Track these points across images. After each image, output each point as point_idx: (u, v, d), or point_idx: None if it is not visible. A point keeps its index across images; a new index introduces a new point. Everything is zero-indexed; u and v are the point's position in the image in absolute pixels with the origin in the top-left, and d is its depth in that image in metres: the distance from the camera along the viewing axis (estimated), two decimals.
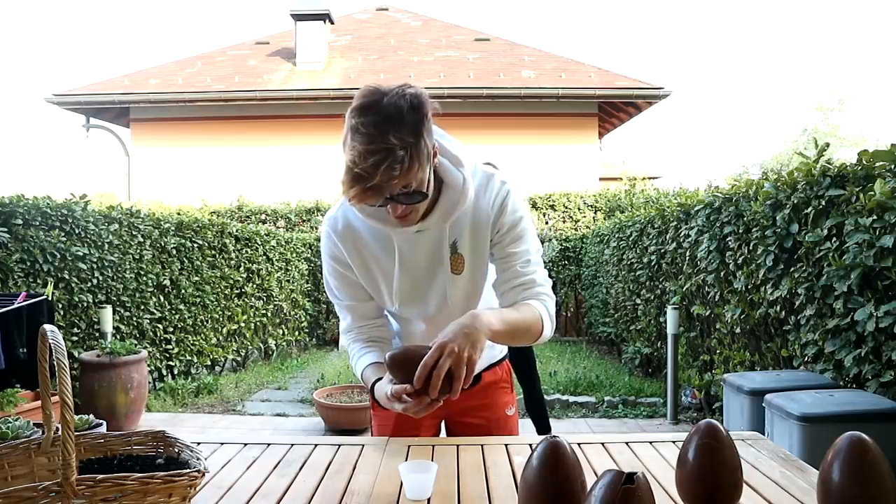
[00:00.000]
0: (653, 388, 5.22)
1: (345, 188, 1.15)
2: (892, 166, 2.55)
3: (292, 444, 1.42)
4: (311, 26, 12.01)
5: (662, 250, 5.26)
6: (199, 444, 1.38)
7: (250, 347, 7.09)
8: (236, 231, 6.75)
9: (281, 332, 7.81)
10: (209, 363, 6.26)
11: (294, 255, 8.24)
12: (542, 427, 3.77)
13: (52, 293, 4.07)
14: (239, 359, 6.92)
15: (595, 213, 9.74)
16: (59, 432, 0.87)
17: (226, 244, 6.52)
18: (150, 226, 5.39)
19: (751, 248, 3.62)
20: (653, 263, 5.52)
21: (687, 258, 4.68)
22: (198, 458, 0.99)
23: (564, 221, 9.70)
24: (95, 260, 4.65)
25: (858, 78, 42.63)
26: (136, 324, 5.16)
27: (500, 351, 1.60)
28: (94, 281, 4.64)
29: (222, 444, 1.43)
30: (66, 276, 4.39)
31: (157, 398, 5.21)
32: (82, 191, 4.74)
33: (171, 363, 5.64)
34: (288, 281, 8.02)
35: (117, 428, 4.05)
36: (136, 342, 4.62)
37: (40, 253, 4.14)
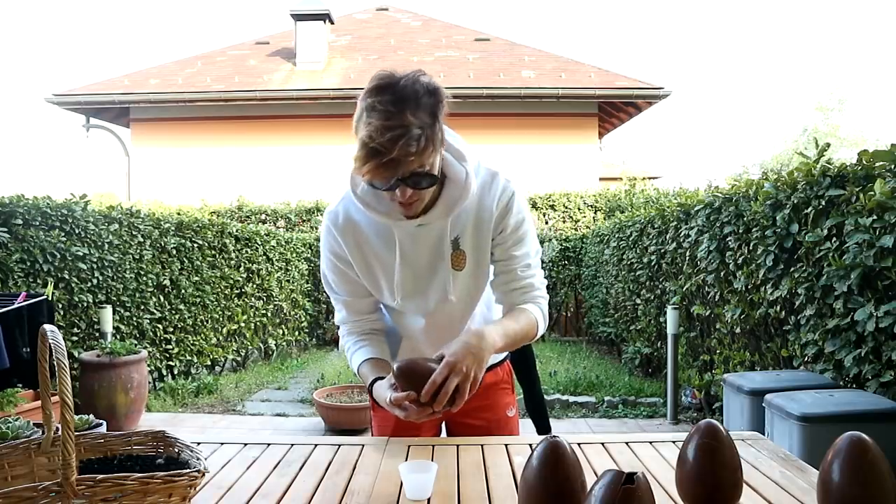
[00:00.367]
0: (653, 388, 5.22)
1: (359, 164, 1.14)
2: (892, 166, 2.55)
3: (292, 444, 1.42)
4: (311, 26, 12.01)
5: (662, 250, 5.26)
6: (199, 444, 1.38)
7: (250, 347, 7.09)
8: (236, 231, 6.75)
9: (281, 332, 7.81)
10: (209, 363, 6.26)
11: (294, 255, 8.24)
12: (542, 427, 3.77)
13: (52, 293, 4.07)
14: (239, 359, 6.93)
15: (595, 213, 9.74)
16: (59, 432, 0.87)
17: (226, 244, 6.52)
18: (150, 226, 5.39)
19: (751, 248, 3.62)
20: (653, 263, 5.52)
21: (687, 258, 4.68)
22: (198, 458, 0.99)
23: (564, 221, 9.70)
24: (95, 260, 4.65)
25: (858, 78, 42.66)
26: (136, 324, 5.16)
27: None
28: (94, 281, 4.64)
29: (222, 444, 1.43)
30: (66, 276, 4.39)
31: (157, 398, 5.21)
32: (82, 191, 4.75)
33: (171, 363, 5.64)
34: (288, 281, 8.02)
35: (117, 428, 4.05)
36: (136, 342, 4.62)
37: (40, 253, 4.14)
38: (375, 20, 14.03)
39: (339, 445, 1.41)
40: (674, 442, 1.42)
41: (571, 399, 4.99)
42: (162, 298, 5.51)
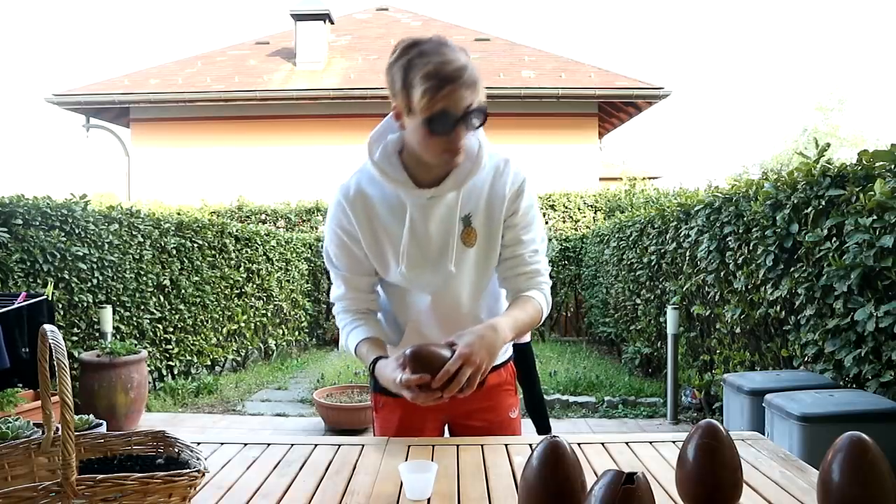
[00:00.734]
0: (653, 388, 5.22)
1: (429, 96, 1.16)
2: (892, 166, 2.55)
3: (292, 444, 1.42)
4: (311, 26, 12.01)
5: (662, 250, 5.26)
6: (199, 444, 1.38)
7: (250, 347, 7.09)
8: (236, 231, 6.75)
9: (281, 332, 7.81)
10: (209, 363, 6.26)
11: (294, 255, 8.24)
12: (542, 427, 3.77)
13: (52, 293, 4.07)
14: (239, 359, 6.93)
15: (595, 213, 9.74)
16: (59, 432, 0.87)
17: (226, 244, 6.52)
18: (150, 226, 5.39)
19: (751, 248, 3.62)
20: (653, 263, 5.52)
21: (687, 258, 4.68)
22: (198, 458, 0.99)
23: (564, 221, 9.70)
24: (95, 260, 4.65)
25: (858, 78, 42.65)
26: (136, 324, 5.16)
27: (505, 352, 1.59)
28: (94, 281, 4.65)
29: (222, 444, 1.43)
30: (66, 276, 4.39)
31: (157, 398, 5.21)
32: (82, 191, 4.75)
33: (171, 363, 5.64)
34: (288, 281, 8.02)
35: (117, 428, 4.05)
36: (136, 342, 4.62)
37: (40, 253, 4.14)
38: (375, 20, 14.04)
39: (339, 445, 1.41)
40: (674, 442, 1.42)
41: (571, 399, 4.99)
42: (162, 298, 5.51)
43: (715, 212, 4.12)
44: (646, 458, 1.33)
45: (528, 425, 3.85)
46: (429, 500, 1.11)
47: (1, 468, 1.02)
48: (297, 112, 10.79)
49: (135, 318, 5.15)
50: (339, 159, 11.07)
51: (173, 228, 5.70)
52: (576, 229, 9.54)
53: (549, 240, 8.97)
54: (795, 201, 3.12)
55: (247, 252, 6.93)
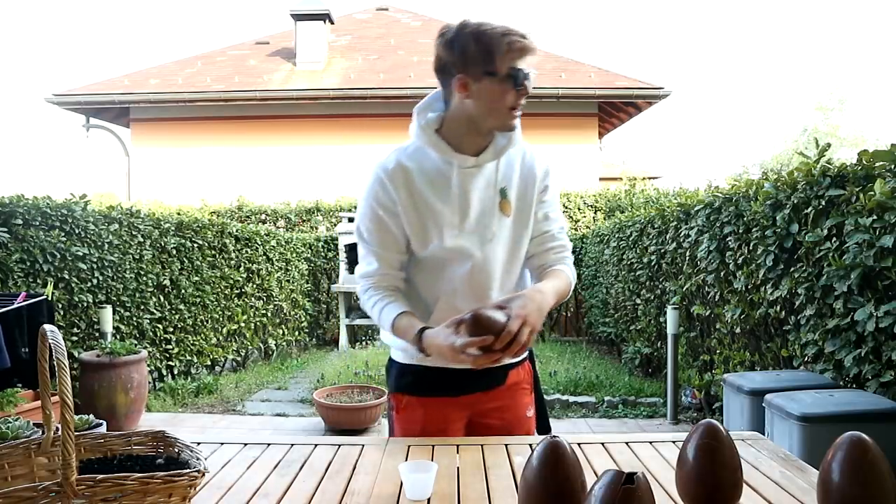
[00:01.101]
0: (653, 388, 5.22)
1: (513, 48, 1.32)
2: (892, 166, 2.55)
3: (292, 444, 1.42)
4: (311, 26, 12.01)
5: (662, 250, 5.26)
6: (199, 444, 1.38)
7: (250, 347, 7.09)
8: (236, 231, 6.75)
9: (281, 332, 7.81)
10: (209, 363, 6.26)
11: (294, 255, 8.24)
12: (542, 427, 3.76)
13: (52, 293, 4.07)
14: (239, 359, 6.92)
15: (595, 213, 9.74)
16: (59, 432, 0.87)
17: (226, 244, 6.52)
18: (150, 226, 5.39)
19: (751, 248, 3.62)
20: (653, 263, 5.52)
21: (687, 258, 4.68)
22: (198, 458, 0.99)
23: (564, 221, 9.69)
24: (95, 260, 4.64)
25: (858, 78, 42.65)
26: (136, 324, 5.16)
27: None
28: (94, 281, 4.64)
29: (222, 444, 1.43)
30: (66, 276, 4.39)
31: (157, 398, 5.21)
32: (82, 191, 4.74)
33: (171, 363, 5.64)
34: (288, 281, 8.02)
35: (117, 428, 4.05)
36: (136, 342, 4.61)
37: (40, 253, 4.14)
38: (375, 20, 14.04)
39: (339, 445, 1.41)
40: (674, 442, 1.42)
41: (571, 399, 4.99)
42: (162, 298, 5.51)
43: (715, 212, 4.12)
44: (646, 458, 1.33)
45: None
46: (429, 500, 1.11)
47: (1, 468, 1.02)
48: (297, 112, 10.79)
49: (135, 318, 5.15)
50: (339, 159, 11.13)
51: (173, 228, 5.70)
52: (576, 229, 9.54)
53: None
54: (795, 201, 3.12)
55: (247, 252, 6.93)
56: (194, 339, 5.97)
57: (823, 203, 2.91)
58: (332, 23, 12.65)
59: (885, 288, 2.52)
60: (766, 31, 67.85)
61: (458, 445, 1.39)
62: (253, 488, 1.18)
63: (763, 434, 1.78)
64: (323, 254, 9.00)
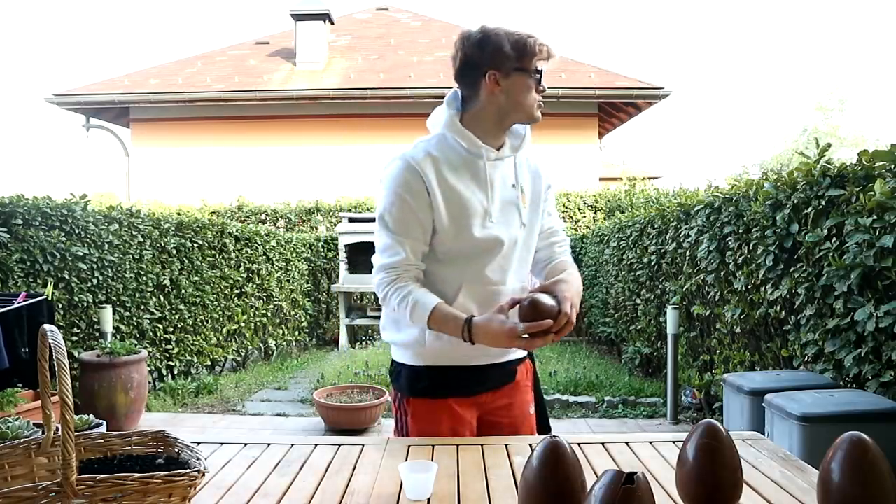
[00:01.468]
0: (653, 388, 5.22)
1: (539, 48, 1.44)
2: (892, 166, 2.55)
3: (292, 444, 1.42)
4: (311, 26, 12.01)
5: (662, 250, 5.26)
6: (199, 444, 1.38)
7: (250, 347, 7.08)
8: (236, 231, 6.75)
9: (281, 332, 7.81)
10: (209, 363, 6.26)
11: (294, 255, 8.24)
12: (542, 427, 3.76)
13: (52, 293, 4.07)
14: (239, 359, 6.92)
15: (595, 213, 9.75)
16: (59, 432, 0.87)
17: (226, 244, 6.52)
18: (150, 226, 5.39)
19: (751, 248, 3.62)
20: (653, 263, 5.52)
21: (687, 258, 4.68)
22: (198, 458, 0.99)
23: (564, 221, 9.69)
24: (95, 260, 4.64)
25: (858, 78, 42.65)
26: (136, 324, 5.16)
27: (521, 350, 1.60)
28: (94, 281, 4.64)
29: (222, 444, 1.43)
30: (66, 276, 4.39)
31: (157, 398, 5.21)
32: (82, 191, 4.74)
33: (171, 363, 5.64)
34: (288, 281, 8.02)
35: (117, 428, 4.05)
36: (136, 342, 4.61)
37: (40, 253, 4.14)
38: (375, 20, 14.04)
39: (339, 445, 1.41)
40: (674, 442, 1.42)
41: (571, 399, 4.99)
42: (162, 298, 5.51)
43: (715, 212, 4.12)
44: (646, 458, 1.33)
45: None
46: (429, 500, 1.11)
47: (1, 468, 1.02)
48: (297, 112, 10.79)
49: (135, 318, 5.15)
50: (339, 159, 11.14)
51: (173, 228, 5.70)
52: (576, 229, 9.54)
53: None
54: (795, 201, 3.12)
55: (247, 252, 6.93)
56: (194, 339, 5.97)
57: (823, 203, 2.91)
58: (332, 23, 12.65)
59: (885, 288, 2.52)
60: (767, 31, 67.86)
61: (458, 445, 1.39)
62: (253, 488, 1.18)
63: (763, 434, 1.78)
64: (323, 254, 9.00)
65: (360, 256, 7.81)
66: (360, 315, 8.28)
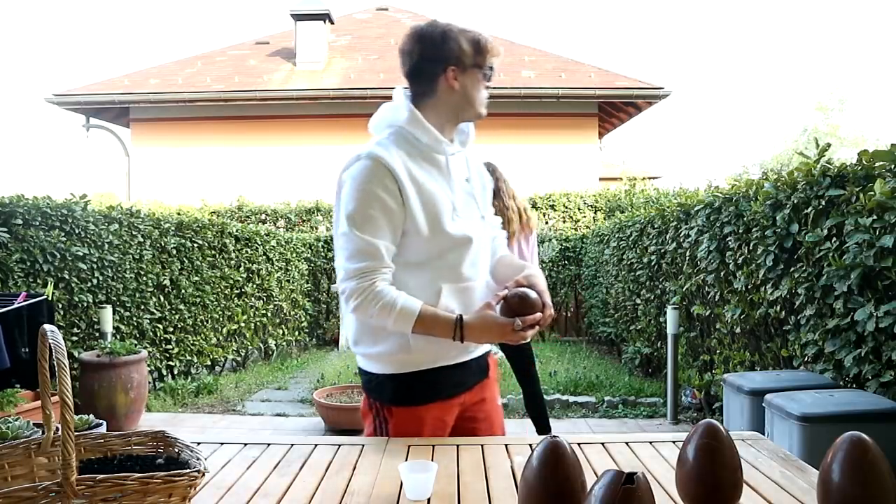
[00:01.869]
0: (653, 388, 5.22)
1: (487, 50, 1.50)
2: (892, 166, 2.55)
3: (292, 444, 1.43)
4: (311, 26, 12.01)
5: (662, 250, 5.26)
6: (199, 444, 1.38)
7: (250, 347, 7.08)
8: (236, 231, 6.75)
9: (281, 332, 7.81)
10: (209, 363, 6.26)
11: (294, 255, 8.24)
12: (542, 427, 3.77)
13: (52, 293, 4.07)
14: (239, 359, 6.92)
15: (595, 213, 9.74)
16: (59, 432, 0.87)
17: (226, 244, 6.52)
18: (150, 226, 5.39)
19: (751, 248, 3.62)
20: (653, 263, 5.52)
21: (687, 258, 4.68)
22: (198, 458, 0.99)
23: (564, 221, 9.69)
24: (95, 260, 4.64)
25: (858, 78, 42.66)
26: (136, 324, 5.16)
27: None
28: (94, 281, 4.64)
29: (222, 444, 1.43)
30: (66, 276, 4.39)
31: (157, 398, 5.21)
32: (82, 191, 4.74)
33: (171, 363, 5.64)
34: (288, 281, 8.02)
35: (117, 428, 4.05)
36: (136, 342, 4.61)
37: (40, 253, 4.14)
38: (375, 20, 14.04)
39: (339, 445, 1.41)
40: (674, 442, 1.42)
41: (571, 399, 4.99)
42: (162, 298, 5.51)
43: (715, 212, 4.12)
44: (646, 458, 1.33)
45: (527, 425, 3.85)
46: (429, 500, 1.11)
47: (1, 468, 1.02)
48: (297, 112, 10.79)
49: (135, 318, 5.15)
50: (340, 159, 11.07)
51: (173, 228, 5.70)
52: (576, 229, 9.54)
53: (549, 240, 8.97)
54: (795, 201, 3.12)
55: (247, 252, 6.93)
56: (194, 339, 5.97)
57: (823, 203, 2.91)
58: (332, 23, 12.65)
59: (885, 288, 2.52)
60: (767, 31, 67.86)
61: (458, 445, 1.39)
62: (253, 488, 1.18)
63: (763, 434, 1.78)
64: (323, 254, 9.00)
65: None
66: None
